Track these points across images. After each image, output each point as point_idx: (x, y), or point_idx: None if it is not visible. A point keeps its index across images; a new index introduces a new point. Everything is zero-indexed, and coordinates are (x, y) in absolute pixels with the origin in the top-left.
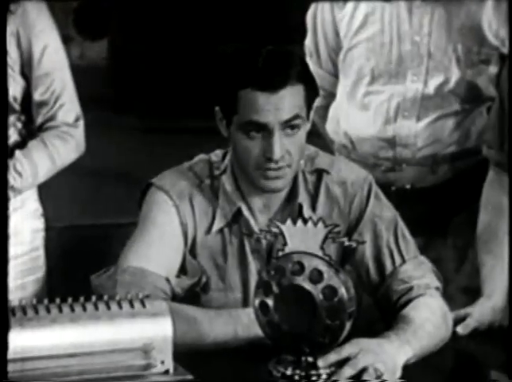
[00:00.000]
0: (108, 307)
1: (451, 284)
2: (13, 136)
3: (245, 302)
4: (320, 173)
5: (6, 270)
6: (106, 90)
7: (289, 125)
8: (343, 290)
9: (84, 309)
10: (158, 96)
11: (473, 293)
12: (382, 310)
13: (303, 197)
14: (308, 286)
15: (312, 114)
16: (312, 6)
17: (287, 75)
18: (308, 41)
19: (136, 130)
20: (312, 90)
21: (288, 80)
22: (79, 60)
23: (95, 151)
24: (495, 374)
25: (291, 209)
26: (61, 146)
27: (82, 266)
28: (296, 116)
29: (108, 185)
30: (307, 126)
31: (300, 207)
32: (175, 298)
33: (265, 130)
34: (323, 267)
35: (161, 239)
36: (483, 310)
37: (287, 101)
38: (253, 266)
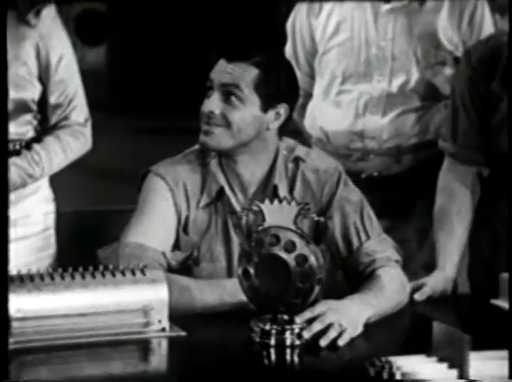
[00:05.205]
0: (113, 275)
1: (413, 261)
2: (29, 132)
3: (229, 270)
4: (297, 162)
5: (7, 270)
6: (105, 92)
7: (227, 90)
8: (312, 259)
9: (93, 276)
10: (156, 97)
11: (432, 268)
12: (349, 280)
13: (283, 182)
14: (283, 254)
15: (273, 114)
16: (292, 15)
17: (249, 54)
18: (288, 47)
19: (135, 131)
20: (268, 86)
21: (246, 58)
22: (81, 64)
23: (97, 150)
24: (437, 324)
25: (269, 190)
26: (73, 142)
27: (88, 244)
28: (235, 85)
29: (108, 181)
30: (252, 110)
31: (275, 188)
32: (170, 269)
33: (211, 87)
34: (296, 238)
35: (158, 219)
36: (437, 280)
37: (234, 71)
38: (235, 239)
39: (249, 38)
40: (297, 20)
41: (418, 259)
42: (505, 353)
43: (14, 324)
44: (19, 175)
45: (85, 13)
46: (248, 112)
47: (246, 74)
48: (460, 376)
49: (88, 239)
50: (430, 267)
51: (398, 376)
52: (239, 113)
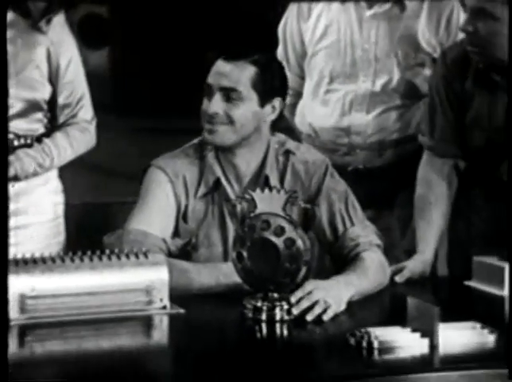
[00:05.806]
0: (119, 258)
1: (396, 248)
2: (40, 129)
3: (225, 255)
4: (287, 154)
5: (7, 271)
6: (107, 94)
7: (228, 93)
8: (300, 242)
9: (100, 259)
10: (157, 98)
11: (413, 254)
12: (336, 263)
13: (274, 173)
14: (273, 238)
15: (270, 108)
16: (283, 19)
17: (246, 53)
18: (280, 50)
19: (136, 131)
20: (265, 82)
21: (245, 56)
22: (84, 66)
23: (100, 149)
24: (411, 299)
25: (261, 180)
26: (80, 137)
27: (92, 233)
28: (233, 89)
29: (111, 177)
30: (251, 106)
31: (267, 178)
32: (171, 255)
33: (211, 90)
34: (285, 223)
35: (159, 208)
36: (416, 264)
37: (232, 72)
38: (230, 226)
39: (245, 38)
40: (288, 24)
41: (400, 246)
42: (470, 324)
43: (28, 301)
44: (30, 164)
45: (88, 17)
46: (248, 108)
47: (244, 73)
48: (431, 344)
49: (93, 229)
50: (411, 253)
51: (376, 345)
52: (240, 110)
